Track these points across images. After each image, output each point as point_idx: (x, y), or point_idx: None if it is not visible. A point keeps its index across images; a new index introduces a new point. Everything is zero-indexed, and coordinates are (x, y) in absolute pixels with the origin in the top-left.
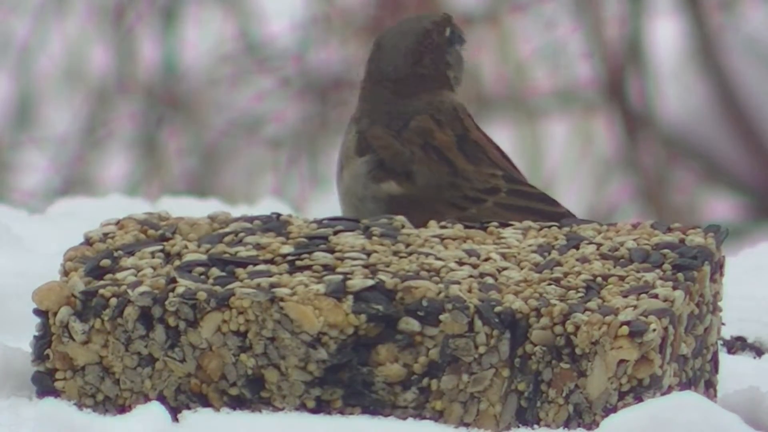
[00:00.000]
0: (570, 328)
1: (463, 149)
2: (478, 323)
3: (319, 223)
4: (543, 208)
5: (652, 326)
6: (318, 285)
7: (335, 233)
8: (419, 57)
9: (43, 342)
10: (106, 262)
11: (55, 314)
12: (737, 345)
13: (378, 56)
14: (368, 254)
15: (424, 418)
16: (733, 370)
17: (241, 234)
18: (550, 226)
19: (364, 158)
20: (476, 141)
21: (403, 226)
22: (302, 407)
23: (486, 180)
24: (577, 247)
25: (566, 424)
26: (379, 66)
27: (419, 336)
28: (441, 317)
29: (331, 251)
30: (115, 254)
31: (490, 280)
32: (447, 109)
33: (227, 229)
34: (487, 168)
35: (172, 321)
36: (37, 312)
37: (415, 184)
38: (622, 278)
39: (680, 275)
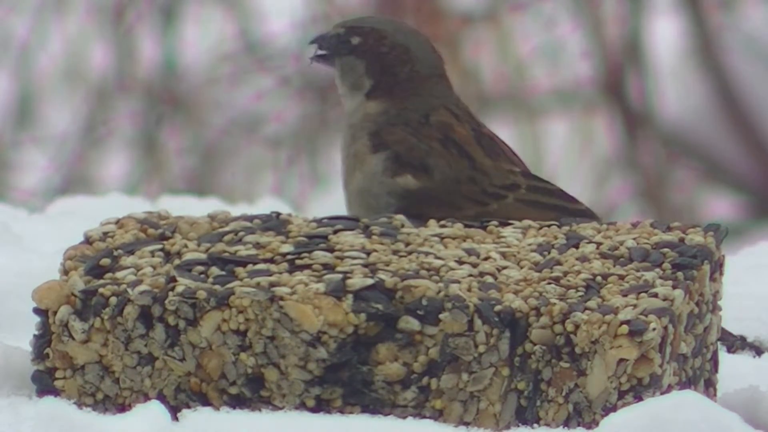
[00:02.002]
0: (570, 327)
1: (481, 143)
2: (477, 322)
3: (319, 222)
4: (564, 205)
5: (652, 325)
6: (318, 284)
7: (335, 232)
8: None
9: (43, 341)
10: (105, 261)
11: (54, 313)
12: (737, 344)
13: (412, 57)
14: (368, 253)
15: (424, 417)
16: (733, 369)
17: (241, 233)
18: (549, 225)
19: (379, 154)
20: (489, 136)
21: (402, 225)
22: (302, 406)
23: (505, 176)
24: (576, 246)
25: (566, 423)
26: (423, 64)
27: (419, 335)
28: (441, 316)
29: (331, 250)
30: (115, 253)
31: (489, 279)
32: (461, 103)
33: (227, 228)
34: (505, 163)
35: (171, 320)
36: (37, 311)
37: (433, 178)
38: (621, 277)
39: (680, 274)
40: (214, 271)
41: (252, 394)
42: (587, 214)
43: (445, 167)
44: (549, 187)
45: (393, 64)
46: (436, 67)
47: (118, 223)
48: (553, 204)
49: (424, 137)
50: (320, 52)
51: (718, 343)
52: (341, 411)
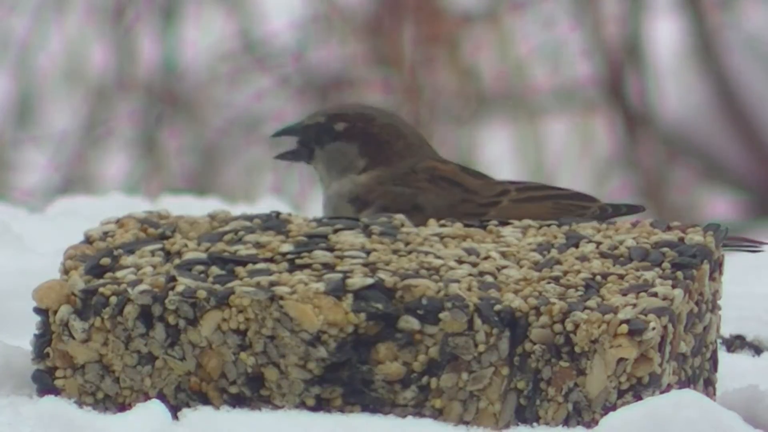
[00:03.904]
0: (569, 326)
1: (468, 172)
2: (477, 322)
3: (319, 221)
4: (556, 193)
5: (652, 324)
6: (318, 283)
7: (335, 232)
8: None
9: (44, 340)
10: (106, 260)
11: (55, 312)
12: (736, 343)
13: (403, 133)
14: (368, 253)
15: (424, 416)
16: (733, 368)
17: (241, 232)
18: (549, 225)
19: (366, 212)
20: (475, 169)
21: (402, 225)
22: (302, 405)
23: (494, 188)
24: (576, 246)
25: (565, 423)
26: (412, 137)
27: (419, 334)
28: (440, 315)
29: (331, 250)
30: (115, 253)
31: (489, 278)
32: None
33: (227, 228)
34: (494, 181)
35: (172, 319)
36: (38, 310)
37: (425, 213)
38: (621, 277)
39: (679, 274)
40: (214, 270)
41: (252, 393)
42: (580, 196)
43: (434, 199)
44: (537, 184)
45: (388, 141)
46: (421, 137)
47: (118, 222)
48: (545, 195)
49: (412, 182)
50: (292, 147)
51: (718, 341)
52: (341, 410)
